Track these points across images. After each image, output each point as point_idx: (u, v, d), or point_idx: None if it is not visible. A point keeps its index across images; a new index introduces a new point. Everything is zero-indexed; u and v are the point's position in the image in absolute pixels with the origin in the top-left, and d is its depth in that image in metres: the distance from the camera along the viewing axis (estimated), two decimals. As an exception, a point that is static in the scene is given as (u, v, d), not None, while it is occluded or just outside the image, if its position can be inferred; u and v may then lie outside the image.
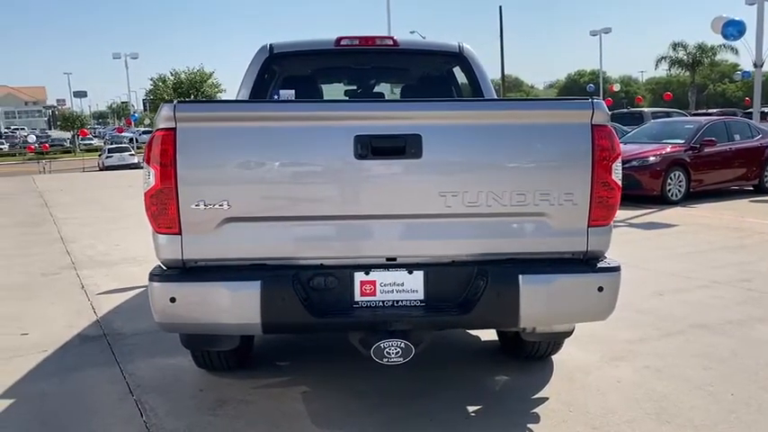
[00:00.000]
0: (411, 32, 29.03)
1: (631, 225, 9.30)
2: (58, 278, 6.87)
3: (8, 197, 16.51)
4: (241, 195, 2.90)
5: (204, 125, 2.89)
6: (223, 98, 44.70)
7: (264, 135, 2.91)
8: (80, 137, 55.88)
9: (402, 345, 2.91)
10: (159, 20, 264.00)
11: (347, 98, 5.47)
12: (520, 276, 2.94)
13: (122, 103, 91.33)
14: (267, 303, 2.88)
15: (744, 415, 3.33)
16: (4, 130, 78.93)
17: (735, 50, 43.91)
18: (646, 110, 23.96)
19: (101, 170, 32.17)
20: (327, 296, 3.01)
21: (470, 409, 3.48)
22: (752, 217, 9.84)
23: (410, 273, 3.03)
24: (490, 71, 5.25)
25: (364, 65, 5.18)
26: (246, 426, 3.33)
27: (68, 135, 63.72)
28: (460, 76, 5.07)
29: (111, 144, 43.32)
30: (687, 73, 52.86)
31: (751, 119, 16.10)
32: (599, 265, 3.06)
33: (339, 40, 4.62)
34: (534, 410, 3.41)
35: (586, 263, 3.06)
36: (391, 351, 2.92)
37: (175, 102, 2.88)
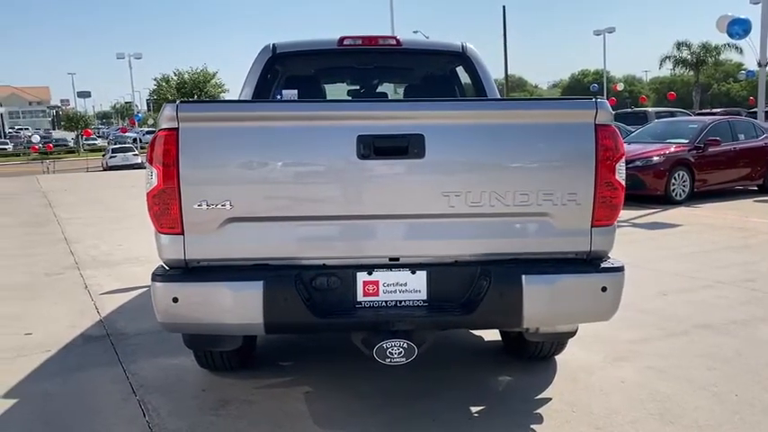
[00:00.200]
0: (414, 32, 29.05)
1: (635, 225, 9.27)
2: (61, 278, 6.88)
3: (12, 197, 16.55)
4: (243, 195, 2.90)
5: (207, 125, 2.89)
6: (226, 98, 44.75)
7: (267, 135, 2.91)
8: (84, 137, 55.99)
9: (405, 345, 2.91)
10: (163, 20, 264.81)
11: (350, 98, 5.47)
12: (523, 276, 2.93)
13: (126, 103, 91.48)
14: (269, 303, 2.88)
15: (748, 416, 3.31)
16: (8, 131, 79.09)
17: (739, 50, 43.75)
18: (650, 109, 23.85)
19: (104, 170, 32.22)
20: (330, 296, 3.00)
21: (473, 409, 3.47)
22: (756, 217, 9.81)
23: (413, 273, 3.03)
24: (493, 71, 5.25)
25: (367, 65, 5.17)
26: (249, 426, 3.32)
27: (71, 135, 63.81)
28: (464, 76, 5.06)
29: (115, 144, 43.38)
30: (691, 72, 52.67)
31: (755, 118, 16.05)
32: (602, 265, 3.06)
33: (342, 39, 4.62)
34: (537, 411, 3.40)
35: (590, 263, 3.05)
36: (394, 351, 2.91)
37: (178, 102, 2.88)
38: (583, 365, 3.99)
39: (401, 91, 6.00)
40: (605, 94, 45.18)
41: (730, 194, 12.25)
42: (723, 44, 46.12)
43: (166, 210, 2.87)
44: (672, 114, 20.46)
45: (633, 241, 7.90)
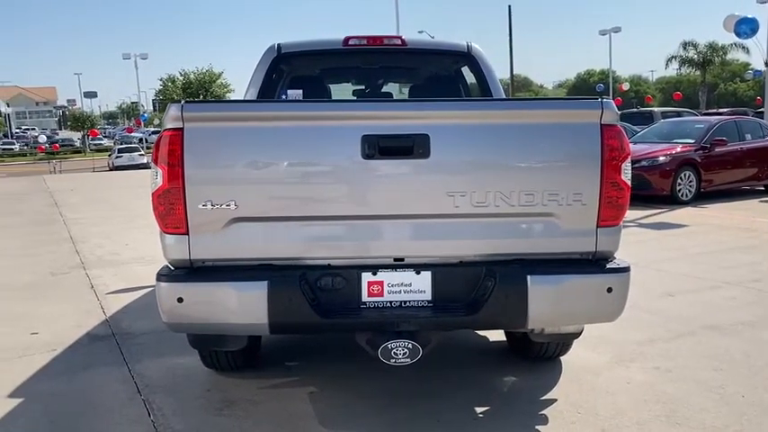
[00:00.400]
0: (419, 32, 29.03)
1: (641, 225, 9.24)
2: (67, 278, 6.91)
3: (19, 197, 16.64)
4: (248, 195, 2.89)
5: (212, 125, 2.89)
6: (232, 98, 44.85)
7: (272, 135, 2.91)
8: (90, 137, 56.18)
9: (409, 345, 2.90)
10: (169, 20, 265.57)
11: (355, 98, 5.47)
12: (528, 277, 2.92)
13: (132, 103, 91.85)
14: (274, 303, 2.88)
15: (755, 417, 3.29)
16: (15, 131, 79.37)
17: (746, 49, 43.54)
18: (656, 109, 23.81)
19: (111, 170, 32.36)
20: (335, 296, 3.00)
21: (478, 410, 3.46)
22: (763, 217, 9.76)
23: (418, 273, 3.02)
24: (499, 70, 5.24)
25: (372, 65, 5.17)
26: (253, 426, 3.33)
27: (77, 135, 64.00)
28: (469, 76, 5.05)
29: (121, 144, 43.53)
30: (698, 72, 52.42)
31: (762, 118, 15.98)
32: (608, 265, 3.04)
33: (347, 39, 4.61)
34: (543, 412, 3.39)
35: (595, 263, 3.04)
36: (399, 352, 2.91)
37: (183, 102, 2.88)
38: (588, 366, 3.98)
39: (406, 91, 6.00)
40: (611, 93, 45.01)
41: (737, 195, 12.20)
42: (730, 44, 45.93)
43: (171, 210, 2.87)
44: (678, 114, 20.40)
45: (639, 241, 7.87)
